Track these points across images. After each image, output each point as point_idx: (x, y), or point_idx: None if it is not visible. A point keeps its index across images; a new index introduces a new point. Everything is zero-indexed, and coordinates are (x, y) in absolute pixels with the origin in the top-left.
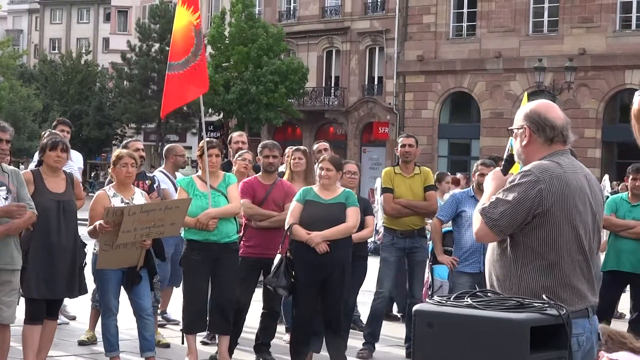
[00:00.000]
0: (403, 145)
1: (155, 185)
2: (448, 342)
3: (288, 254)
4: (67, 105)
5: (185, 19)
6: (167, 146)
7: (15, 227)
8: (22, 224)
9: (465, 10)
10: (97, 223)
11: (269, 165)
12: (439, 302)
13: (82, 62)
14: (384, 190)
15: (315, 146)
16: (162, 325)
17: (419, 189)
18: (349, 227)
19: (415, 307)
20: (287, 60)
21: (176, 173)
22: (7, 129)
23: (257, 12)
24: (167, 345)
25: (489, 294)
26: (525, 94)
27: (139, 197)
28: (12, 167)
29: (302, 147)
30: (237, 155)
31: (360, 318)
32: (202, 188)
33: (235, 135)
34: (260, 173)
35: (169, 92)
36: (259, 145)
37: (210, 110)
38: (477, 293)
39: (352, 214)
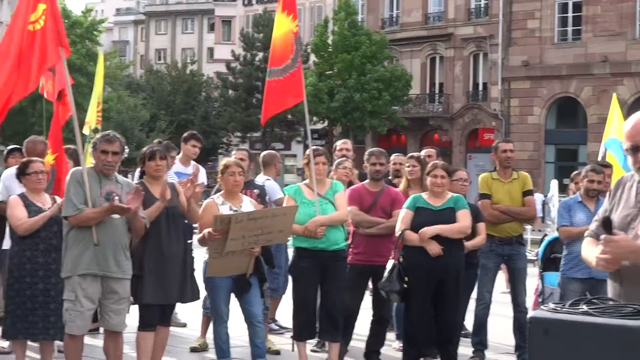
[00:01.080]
0: (504, 151)
1: (267, 198)
2: (564, 350)
3: (401, 259)
4: (174, 114)
5: (285, 27)
6: (266, 153)
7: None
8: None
9: (570, 14)
10: (205, 231)
11: (376, 173)
12: (554, 309)
13: (188, 71)
14: (482, 196)
15: (423, 152)
16: (272, 331)
17: (518, 194)
18: (463, 227)
19: (530, 315)
20: (391, 67)
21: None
22: (113, 140)
23: (359, 19)
24: (278, 352)
25: (605, 301)
26: (614, 96)
27: (247, 204)
28: (125, 179)
29: (416, 154)
30: (336, 163)
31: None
32: (309, 196)
33: (340, 143)
34: (367, 180)
35: (269, 99)
36: (366, 153)
37: (314, 118)
38: (593, 300)
39: (463, 216)
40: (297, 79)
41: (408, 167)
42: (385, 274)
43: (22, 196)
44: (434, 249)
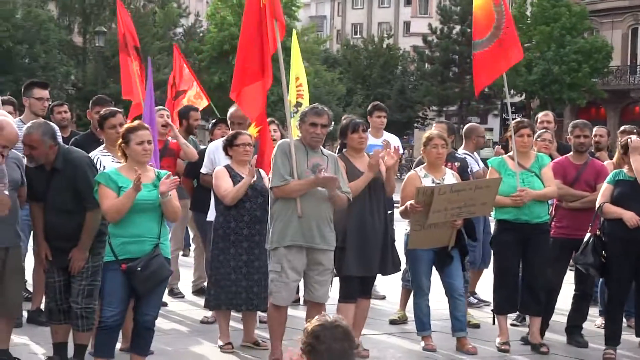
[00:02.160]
0: None
1: (469, 170)
2: None
3: (599, 232)
4: (370, 89)
5: None
6: (467, 126)
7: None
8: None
9: None
10: (408, 203)
11: (580, 145)
12: None
13: (384, 45)
14: None
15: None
16: (471, 305)
17: None
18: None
19: None
20: (591, 38)
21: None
22: (322, 113)
23: None
24: (477, 326)
25: None
26: None
27: (450, 177)
28: (330, 152)
29: (629, 127)
30: (536, 135)
31: None
32: (513, 168)
33: (541, 115)
34: (571, 153)
35: (478, 72)
36: (570, 125)
37: (512, 92)
38: None
39: None
40: (506, 45)
41: (622, 141)
42: (581, 246)
43: (228, 167)
44: (632, 219)
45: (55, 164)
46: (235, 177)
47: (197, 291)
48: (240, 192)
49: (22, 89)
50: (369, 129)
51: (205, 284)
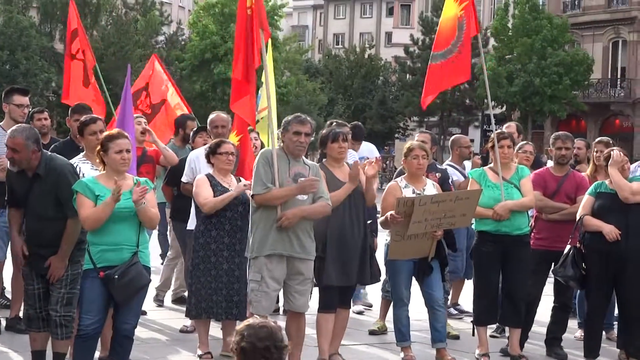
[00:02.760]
0: None
1: (450, 180)
2: None
3: (578, 245)
4: (351, 98)
5: (451, 11)
6: (452, 138)
7: (311, 211)
8: (318, 209)
9: None
10: (388, 214)
11: (562, 157)
12: None
13: (366, 56)
14: None
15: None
16: (451, 316)
17: None
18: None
19: None
20: (572, 51)
21: (465, 164)
22: (306, 122)
23: (540, 3)
24: (457, 337)
25: None
26: None
27: (430, 188)
28: (311, 162)
29: (604, 139)
30: (517, 147)
31: None
32: (494, 179)
33: (504, 126)
34: (552, 164)
35: (428, 82)
36: (552, 137)
37: (493, 103)
38: None
39: None
40: (457, 64)
41: (596, 152)
42: (561, 259)
43: (209, 176)
44: (611, 233)
45: (37, 170)
46: (216, 186)
47: (177, 300)
48: (221, 204)
49: (2, 95)
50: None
51: (186, 293)
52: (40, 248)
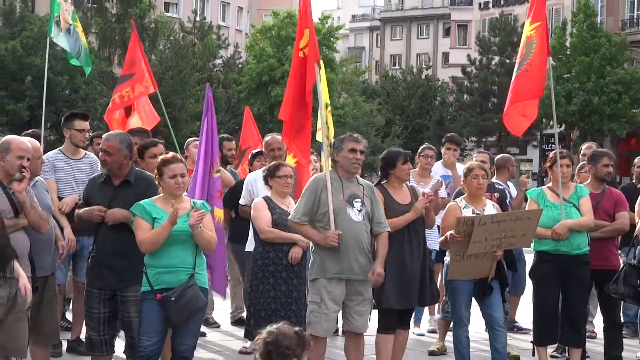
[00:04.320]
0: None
1: (508, 201)
2: None
3: (633, 261)
4: (409, 119)
5: (526, 31)
6: (500, 156)
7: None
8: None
9: None
10: (448, 233)
11: (608, 175)
12: None
13: (423, 76)
14: None
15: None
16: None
17: None
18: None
19: None
20: (631, 69)
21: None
22: (359, 140)
23: (599, 21)
24: (517, 358)
25: None
26: None
27: (490, 208)
28: (366, 182)
29: None
30: (578, 167)
31: None
32: (552, 199)
33: (584, 147)
34: (588, 182)
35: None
36: (595, 153)
37: (551, 122)
38: None
39: None
40: (523, 81)
41: None
42: (615, 277)
43: (267, 199)
44: None
45: (128, 177)
46: (273, 209)
47: (236, 322)
48: (280, 240)
49: (63, 120)
50: (442, 160)
51: (244, 314)
52: (114, 258)
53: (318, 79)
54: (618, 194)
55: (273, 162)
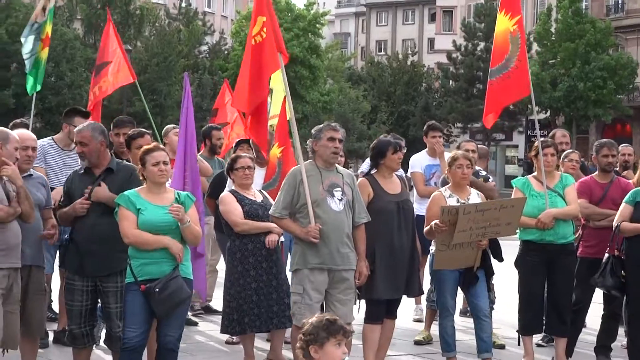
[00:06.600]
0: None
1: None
2: None
3: (617, 253)
4: (394, 106)
5: (503, 25)
6: (480, 147)
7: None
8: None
9: None
10: (433, 223)
11: (609, 165)
12: None
13: (408, 62)
14: None
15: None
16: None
17: None
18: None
19: None
20: (616, 55)
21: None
22: (338, 128)
23: (584, 7)
24: (503, 347)
25: None
26: None
27: (475, 197)
28: (346, 170)
29: None
30: (562, 156)
31: None
32: (538, 188)
33: (559, 134)
34: (596, 172)
35: (488, 100)
36: (596, 144)
37: (537, 108)
38: None
39: None
40: (515, 79)
41: None
42: (600, 269)
43: (234, 192)
44: None
45: (110, 164)
46: (242, 201)
47: (204, 309)
48: (256, 230)
49: (63, 114)
50: (426, 150)
51: (211, 303)
52: (96, 244)
53: (283, 72)
54: (626, 184)
55: (232, 155)
